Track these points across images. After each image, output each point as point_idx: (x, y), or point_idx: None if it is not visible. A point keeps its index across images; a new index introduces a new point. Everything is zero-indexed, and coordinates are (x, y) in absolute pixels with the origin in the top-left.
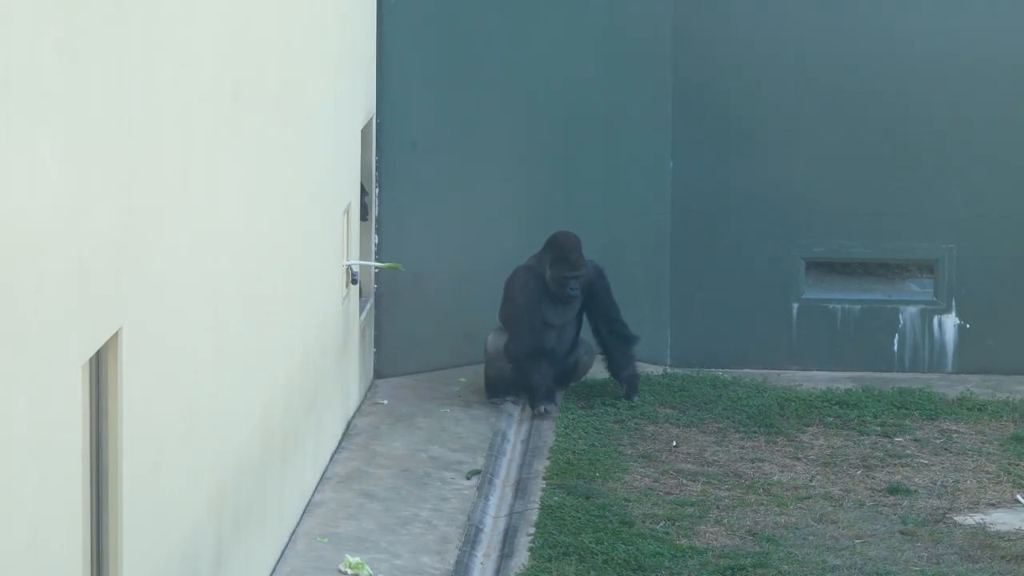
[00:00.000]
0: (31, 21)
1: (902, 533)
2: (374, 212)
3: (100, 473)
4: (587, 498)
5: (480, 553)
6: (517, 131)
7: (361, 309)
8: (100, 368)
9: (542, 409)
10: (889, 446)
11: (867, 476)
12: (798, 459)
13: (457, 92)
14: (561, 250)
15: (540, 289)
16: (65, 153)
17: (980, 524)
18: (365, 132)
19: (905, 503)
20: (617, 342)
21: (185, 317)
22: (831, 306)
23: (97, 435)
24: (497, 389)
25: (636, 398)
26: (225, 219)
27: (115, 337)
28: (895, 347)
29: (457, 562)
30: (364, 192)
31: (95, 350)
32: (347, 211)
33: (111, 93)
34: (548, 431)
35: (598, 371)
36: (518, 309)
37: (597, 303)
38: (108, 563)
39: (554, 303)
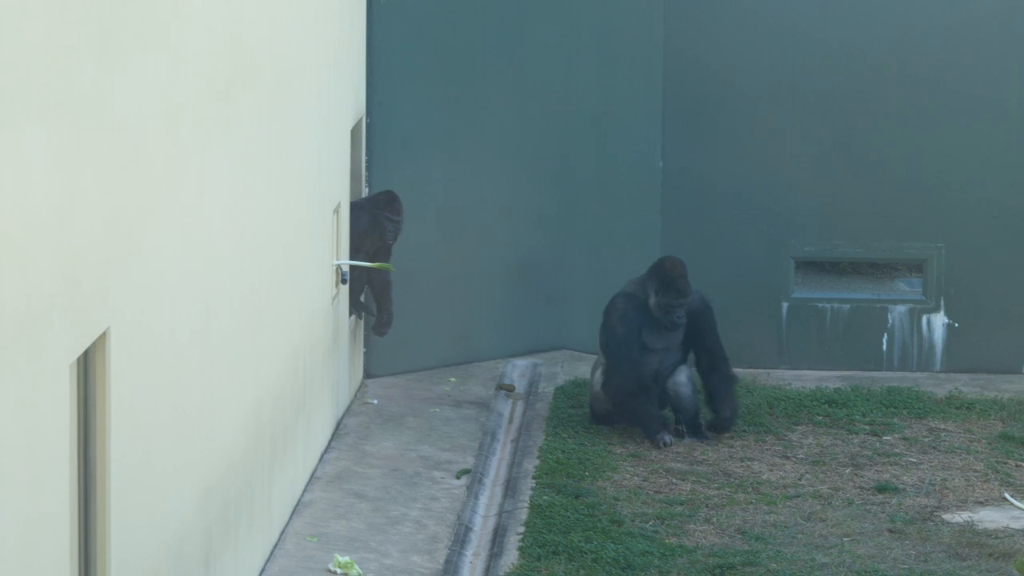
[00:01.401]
0: (17, 17)
1: (890, 531)
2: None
3: (88, 473)
4: (576, 497)
5: (470, 552)
6: (508, 130)
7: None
8: (88, 368)
9: (663, 441)
10: (878, 445)
11: (856, 475)
12: (787, 458)
13: (447, 92)
14: (668, 277)
15: (640, 317)
16: (53, 152)
17: (968, 522)
18: (355, 132)
19: (893, 501)
20: (718, 380)
21: (174, 317)
22: (820, 305)
23: (85, 435)
24: (604, 420)
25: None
26: (214, 218)
27: (103, 337)
28: (884, 346)
29: (447, 561)
30: (395, 214)
31: (83, 349)
32: (336, 210)
33: (99, 91)
34: (538, 430)
35: (588, 370)
36: (616, 341)
37: (700, 336)
38: (96, 563)
39: (656, 329)
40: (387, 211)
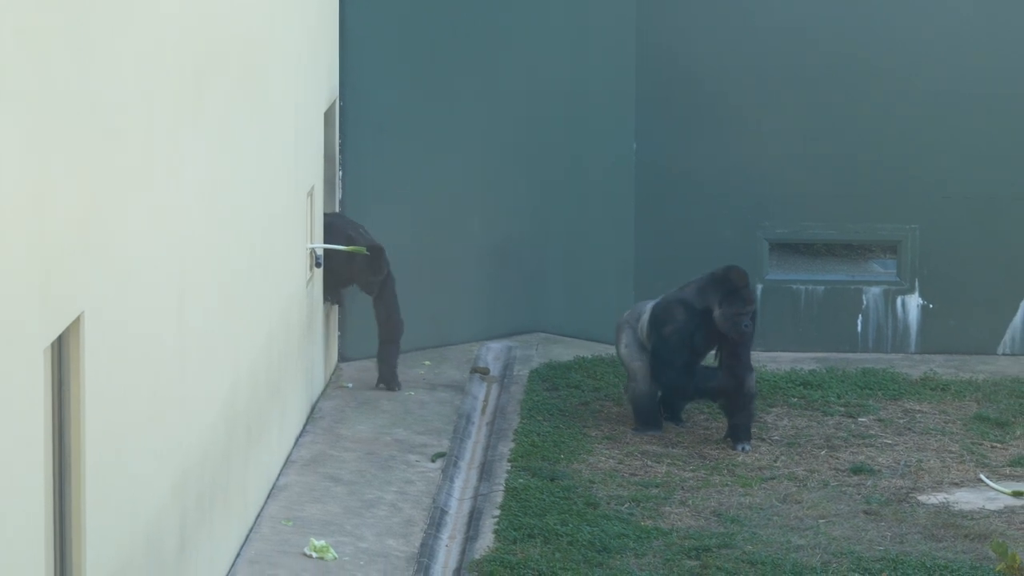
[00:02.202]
0: None
1: (866, 513)
2: (338, 195)
3: (63, 458)
4: (552, 480)
5: (445, 536)
6: (482, 115)
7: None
8: (62, 353)
9: (649, 434)
10: (853, 426)
11: (831, 456)
12: (763, 440)
13: (422, 76)
14: (734, 287)
15: (693, 325)
16: (26, 138)
17: (943, 503)
18: (328, 115)
19: (869, 483)
20: (737, 383)
21: (148, 301)
22: (795, 287)
23: (59, 420)
24: (646, 420)
25: (742, 447)
26: (188, 203)
27: (77, 321)
28: (859, 327)
29: (422, 544)
30: (376, 274)
31: (57, 334)
32: (310, 194)
33: (72, 77)
34: (513, 413)
35: (563, 353)
36: (668, 349)
37: (733, 342)
38: (71, 548)
39: (708, 336)
40: (369, 273)
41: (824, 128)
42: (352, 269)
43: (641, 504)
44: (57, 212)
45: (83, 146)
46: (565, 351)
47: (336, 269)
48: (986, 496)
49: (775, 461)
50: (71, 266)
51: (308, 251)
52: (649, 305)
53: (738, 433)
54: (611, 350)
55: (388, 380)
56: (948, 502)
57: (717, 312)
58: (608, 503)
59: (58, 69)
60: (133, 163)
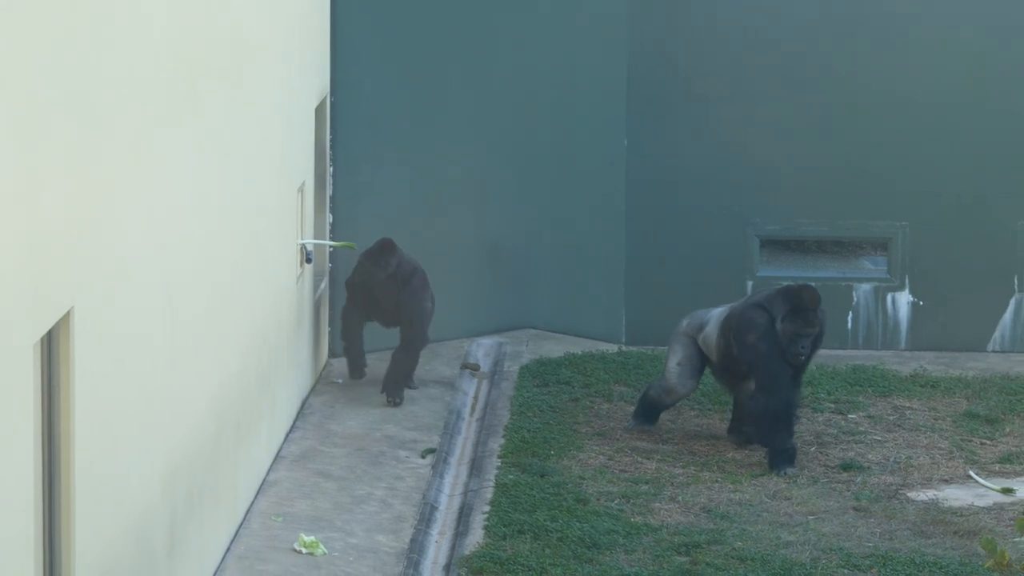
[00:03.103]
0: None
1: (855, 509)
2: (329, 191)
3: (52, 453)
4: (542, 476)
5: (435, 531)
6: (473, 111)
7: (315, 287)
8: (52, 347)
9: (784, 472)
10: (843, 423)
11: (821, 453)
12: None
13: (412, 72)
14: (801, 306)
15: (775, 334)
16: (15, 133)
17: (933, 500)
18: (319, 110)
19: (858, 479)
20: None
21: (138, 296)
22: (785, 283)
23: (49, 415)
24: (646, 417)
25: (788, 470)
26: (178, 198)
27: (67, 316)
28: (849, 324)
29: (412, 540)
30: (382, 269)
31: (46, 329)
32: (301, 190)
33: (63, 73)
34: (503, 410)
35: (553, 349)
36: (765, 360)
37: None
38: (61, 543)
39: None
40: (376, 265)
41: (815, 126)
42: (368, 278)
43: (631, 500)
44: (47, 207)
45: (73, 142)
46: (556, 347)
47: (363, 288)
48: (975, 493)
49: (764, 457)
50: (61, 261)
51: (299, 247)
52: (714, 313)
53: (746, 438)
54: (602, 346)
55: (389, 391)
56: (937, 499)
57: (779, 326)
58: (598, 499)
59: (48, 65)
60: (123, 159)
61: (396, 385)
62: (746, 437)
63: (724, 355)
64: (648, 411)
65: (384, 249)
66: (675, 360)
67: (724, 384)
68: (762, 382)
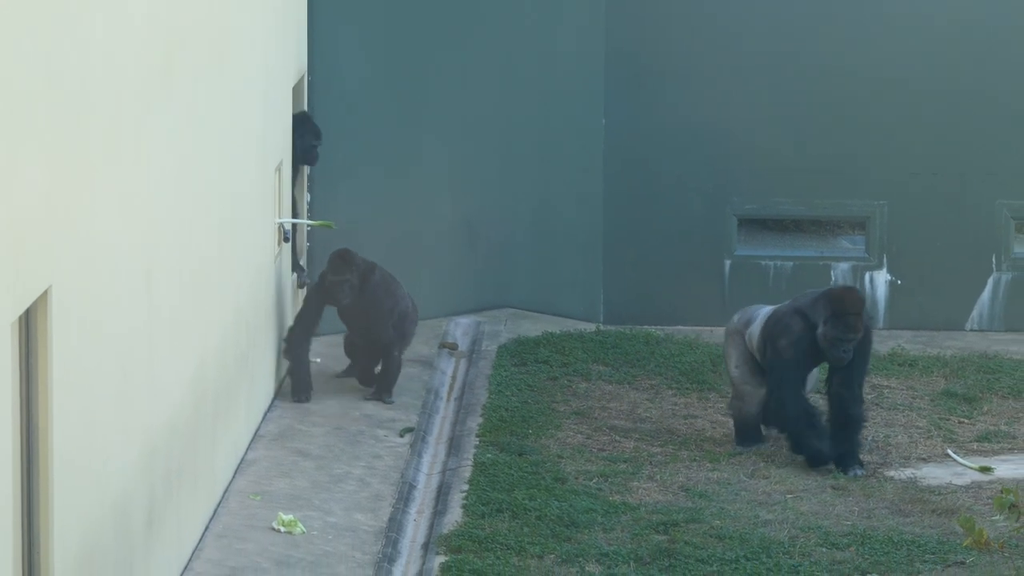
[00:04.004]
0: None
1: (833, 488)
2: (307, 171)
3: (30, 433)
4: (520, 455)
5: (413, 510)
6: (450, 89)
7: (293, 266)
8: (29, 327)
9: (827, 470)
10: (821, 402)
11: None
12: (730, 415)
13: (390, 51)
14: (842, 308)
15: (809, 339)
16: None
17: (911, 479)
18: (297, 89)
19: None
20: (843, 415)
21: (116, 276)
22: (763, 263)
23: (27, 395)
24: (747, 437)
25: (856, 471)
26: (156, 177)
27: (44, 295)
28: None
29: (390, 519)
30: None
31: (24, 309)
32: (279, 168)
33: (40, 54)
34: (481, 389)
35: (531, 328)
36: (782, 365)
37: (848, 364)
38: (38, 524)
39: (815, 353)
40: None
41: (793, 105)
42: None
43: (609, 479)
44: (24, 186)
45: (50, 123)
46: (533, 326)
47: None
48: (953, 471)
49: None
50: (39, 241)
51: (276, 226)
52: (762, 311)
53: (845, 461)
54: (580, 326)
55: (377, 393)
56: (915, 477)
57: (820, 330)
58: (576, 478)
59: (23, 44)
60: (100, 138)
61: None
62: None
63: (763, 354)
64: (745, 430)
65: (340, 256)
66: (733, 364)
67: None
68: (770, 385)
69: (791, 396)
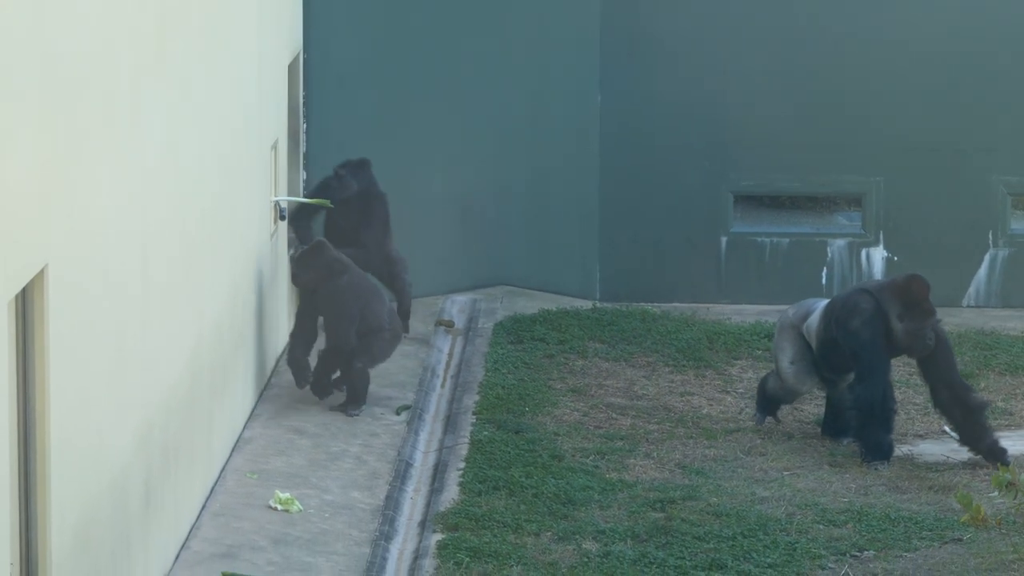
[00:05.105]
0: None
1: (830, 465)
2: (303, 148)
3: (27, 411)
4: (517, 433)
5: (410, 488)
6: (445, 65)
7: (289, 244)
8: (26, 305)
9: (876, 468)
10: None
11: (795, 408)
12: (727, 392)
13: (385, 29)
14: (914, 299)
15: (882, 322)
16: None
17: (908, 455)
18: (292, 67)
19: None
20: (962, 409)
21: (112, 254)
22: (760, 239)
23: (24, 373)
24: (768, 408)
25: (878, 465)
26: (151, 155)
27: (41, 274)
28: (823, 280)
29: (387, 497)
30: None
31: (21, 287)
32: (275, 147)
33: (31, 27)
34: (478, 366)
35: (527, 305)
36: (867, 348)
37: (934, 361)
38: (36, 500)
39: (887, 347)
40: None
41: (789, 81)
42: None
43: (606, 457)
44: (18, 164)
45: (44, 100)
46: (529, 304)
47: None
48: (950, 448)
49: (740, 413)
50: (34, 219)
51: (272, 204)
52: (820, 303)
53: (995, 452)
54: (576, 303)
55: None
56: (912, 454)
57: (899, 327)
58: (573, 455)
59: (15, 18)
60: (95, 115)
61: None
62: (837, 429)
63: (824, 343)
64: (768, 404)
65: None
66: (787, 359)
67: (823, 377)
68: (860, 371)
69: (880, 378)
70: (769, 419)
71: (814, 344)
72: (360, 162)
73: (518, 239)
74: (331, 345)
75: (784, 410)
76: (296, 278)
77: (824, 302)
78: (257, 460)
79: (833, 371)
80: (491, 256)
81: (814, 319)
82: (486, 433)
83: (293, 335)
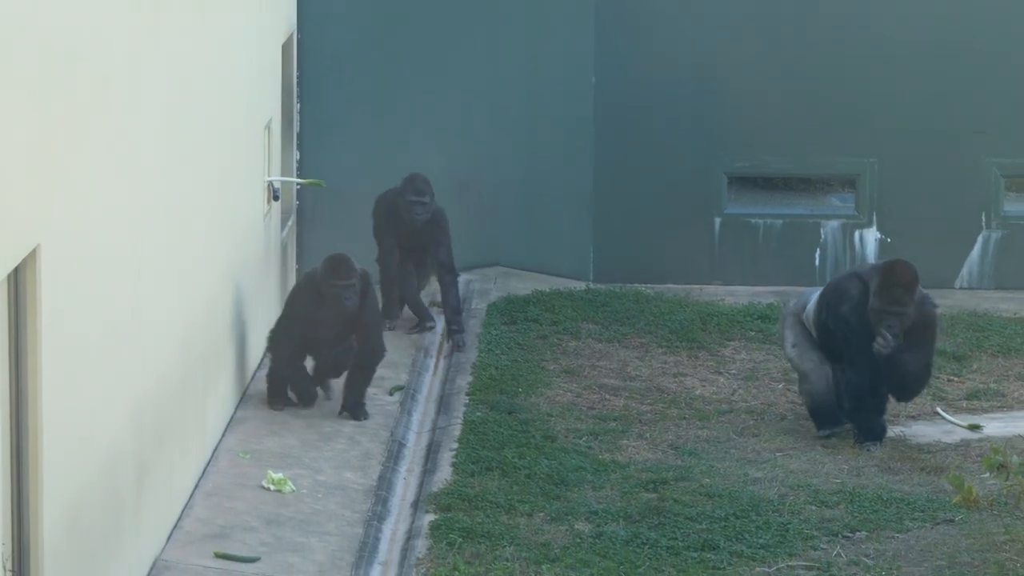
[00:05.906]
0: None
1: (823, 446)
2: (296, 128)
3: (19, 391)
4: (510, 413)
5: (403, 468)
6: (440, 46)
7: (283, 225)
8: (19, 285)
9: (868, 448)
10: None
11: (788, 390)
12: (720, 373)
13: (379, 9)
14: (890, 281)
15: (867, 307)
16: None
17: (900, 436)
18: (287, 47)
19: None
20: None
21: (105, 233)
22: (753, 221)
23: (16, 353)
24: (824, 418)
25: (870, 446)
26: (144, 135)
27: (33, 254)
28: (817, 261)
29: (380, 477)
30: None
31: (13, 266)
32: (268, 127)
33: (24, 6)
34: (471, 347)
35: (521, 286)
36: (854, 334)
37: (911, 338)
38: (28, 479)
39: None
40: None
41: (783, 62)
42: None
43: (599, 437)
44: (11, 144)
45: (37, 77)
46: (523, 285)
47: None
48: (943, 429)
49: (732, 394)
50: (27, 199)
51: (266, 184)
52: (816, 291)
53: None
54: (570, 284)
55: (353, 409)
56: (905, 435)
57: (871, 301)
58: (566, 436)
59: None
60: (88, 96)
61: (358, 404)
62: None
63: (821, 329)
64: (821, 413)
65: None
66: (789, 344)
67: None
68: (850, 356)
69: (860, 364)
70: (836, 429)
71: (814, 332)
72: (424, 179)
73: (512, 220)
74: (372, 358)
75: (776, 390)
76: (343, 294)
77: (821, 290)
78: (250, 440)
79: (832, 356)
80: (485, 237)
81: (811, 306)
82: (479, 414)
83: (323, 364)
